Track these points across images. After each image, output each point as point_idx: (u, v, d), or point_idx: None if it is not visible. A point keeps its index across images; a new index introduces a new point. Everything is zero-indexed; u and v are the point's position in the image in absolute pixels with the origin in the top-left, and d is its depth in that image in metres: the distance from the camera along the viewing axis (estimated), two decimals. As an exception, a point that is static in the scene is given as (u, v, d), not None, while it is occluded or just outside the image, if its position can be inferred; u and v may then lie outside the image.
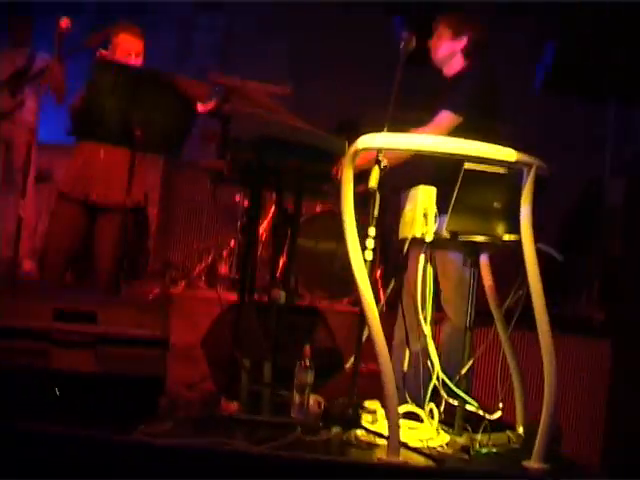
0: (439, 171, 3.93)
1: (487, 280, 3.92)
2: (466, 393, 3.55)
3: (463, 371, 3.58)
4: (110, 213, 4.85)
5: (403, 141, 3.44)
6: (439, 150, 3.36)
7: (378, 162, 3.49)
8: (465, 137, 3.36)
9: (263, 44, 8.39)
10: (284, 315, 3.91)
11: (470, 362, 3.61)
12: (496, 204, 3.61)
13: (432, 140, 3.39)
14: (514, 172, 3.48)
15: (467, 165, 3.50)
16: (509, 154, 3.35)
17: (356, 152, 3.35)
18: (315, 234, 6.85)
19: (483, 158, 3.37)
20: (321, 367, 3.68)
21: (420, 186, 3.64)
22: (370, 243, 3.48)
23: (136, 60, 4.88)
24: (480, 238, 3.56)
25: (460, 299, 3.92)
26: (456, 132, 4.18)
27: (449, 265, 4.17)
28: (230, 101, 3.84)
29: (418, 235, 3.55)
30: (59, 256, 4.93)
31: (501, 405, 3.64)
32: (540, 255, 3.44)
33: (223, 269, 7.25)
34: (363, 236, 3.40)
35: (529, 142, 3.55)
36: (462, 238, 3.58)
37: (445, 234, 3.59)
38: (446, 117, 4.27)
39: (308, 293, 6.80)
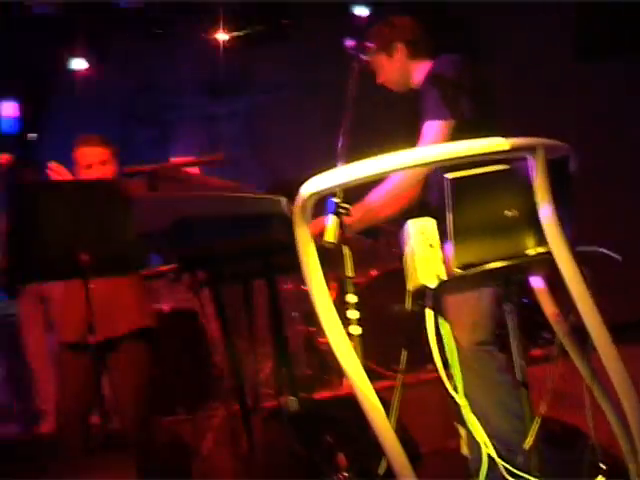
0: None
1: (548, 308, 2.99)
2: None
3: (529, 443, 2.61)
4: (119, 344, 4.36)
5: (360, 171, 2.56)
6: (405, 166, 2.50)
7: (337, 212, 2.64)
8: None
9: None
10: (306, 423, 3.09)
11: (535, 426, 2.64)
12: (508, 212, 2.69)
13: (394, 157, 2.51)
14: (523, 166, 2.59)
15: (450, 175, 2.62)
16: (498, 144, 2.45)
17: (305, 203, 2.53)
18: (378, 300, 6.03)
19: (465, 157, 2.49)
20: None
21: (409, 221, 2.78)
22: (353, 314, 2.62)
23: (102, 170, 4.32)
24: (496, 264, 2.63)
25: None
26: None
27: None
28: (158, 187, 3.09)
29: (430, 283, 2.67)
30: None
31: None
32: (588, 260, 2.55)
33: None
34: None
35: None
36: (478, 270, 2.67)
37: (456, 271, 2.69)
38: (432, 127, 3.45)
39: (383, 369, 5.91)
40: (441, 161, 2.48)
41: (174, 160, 3.25)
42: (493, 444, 2.70)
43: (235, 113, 8.17)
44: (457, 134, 3.45)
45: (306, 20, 7.50)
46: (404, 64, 3.79)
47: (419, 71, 3.75)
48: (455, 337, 3.28)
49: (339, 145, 2.99)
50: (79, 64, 7.71)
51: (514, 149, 2.47)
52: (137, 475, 4.23)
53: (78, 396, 4.39)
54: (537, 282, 2.97)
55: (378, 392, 2.48)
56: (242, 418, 3.20)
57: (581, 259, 2.58)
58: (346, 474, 2.95)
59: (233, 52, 7.73)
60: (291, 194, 2.56)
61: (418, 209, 3.78)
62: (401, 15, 3.96)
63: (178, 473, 4.97)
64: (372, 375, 2.80)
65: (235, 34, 7.64)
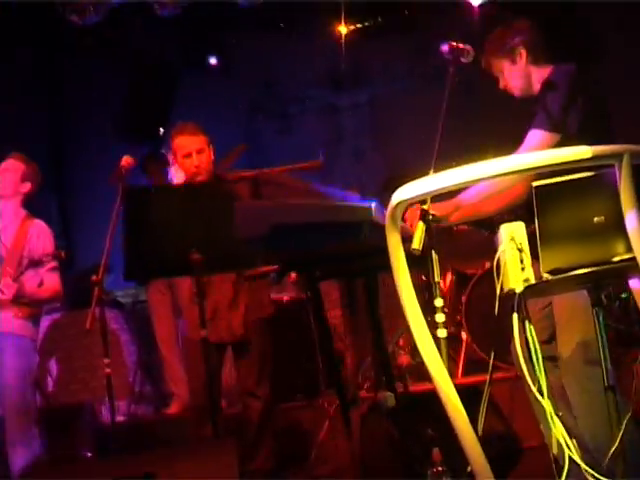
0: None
1: None
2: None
3: (613, 449, 2.64)
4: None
5: (444, 180, 2.64)
6: (490, 175, 2.57)
7: (423, 217, 2.72)
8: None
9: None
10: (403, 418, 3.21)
11: (620, 433, 2.66)
12: (597, 219, 2.72)
13: (477, 167, 2.57)
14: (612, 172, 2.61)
15: (536, 183, 2.67)
16: (580, 152, 2.48)
17: (394, 211, 2.63)
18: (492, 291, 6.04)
19: (547, 167, 2.53)
20: (497, 457, 2.92)
21: (503, 225, 2.84)
22: (440, 317, 2.70)
23: (199, 158, 4.45)
24: (583, 270, 2.66)
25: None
26: None
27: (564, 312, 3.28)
28: (261, 193, 3.25)
29: (518, 288, 2.74)
30: None
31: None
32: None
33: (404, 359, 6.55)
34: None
35: None
36: (565, 276, 2.71)
37: (545, 276, 2.74)
38: (536, 136, 3.44)
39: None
40: (522, 171, 2.53)
41: (275, 168, 3.36)
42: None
43: (357, 105, 8.26)
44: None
45: (424, 10, 7.50)
46: (526, 69, 3.72)
47: (539, 77, 3.70)
48: (561, 353, 3.34)
49: (435, 151, 3.04)
50: (207, 61, 7.96)
51: (597, 157, 2.49)
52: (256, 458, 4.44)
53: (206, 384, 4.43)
54: (635, 283, 2.98)
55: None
56: (342, 411, 3.33)
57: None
58: (440, 468, 3.00)
59: (354, 44, 7.82)
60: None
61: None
62: (519, 15, 3.91)
63: (297, 457, 5.15)
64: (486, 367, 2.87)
65: (355, 26, 7.73)
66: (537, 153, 2.54)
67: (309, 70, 8.20)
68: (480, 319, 5.71)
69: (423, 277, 6.38)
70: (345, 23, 7.72)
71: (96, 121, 8.23)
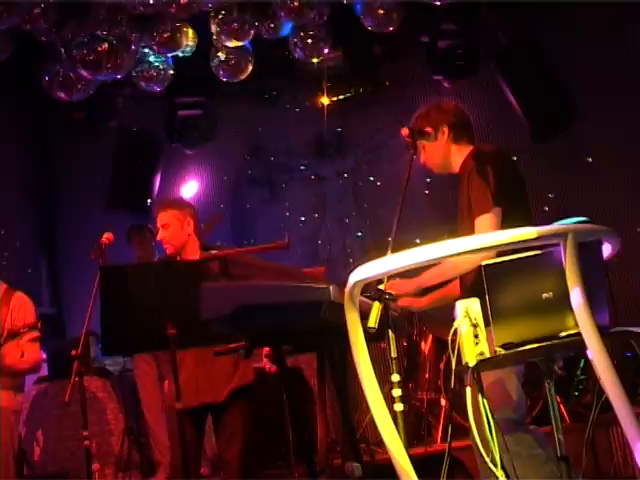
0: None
1: None
2: None
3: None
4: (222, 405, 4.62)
5: (398, 262, 2.76)
6: (440, 256, 2.69)
7: (378, 297, 2.84)
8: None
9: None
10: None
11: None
12: (546, 295, 2.83)
13: (429, 249, 2.69)
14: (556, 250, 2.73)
15: (484, 262, 2.80)
16: (525, 234, 2.60)
17: (352, 290, 2.76)
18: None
19: (494, 247, 2.66)
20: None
21: (458, 301, 2.96)
22: (396, 392, 2.80)
23: (162, 233, 4.65)
24: (532, 345, 2.77)
25: None
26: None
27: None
28: (228, 272, 3.38)
29: (471, 362, 2.85)
30: None
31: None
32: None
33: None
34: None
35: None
36: (517, 350, 2.81)
37: (498, 350, 2.85)
38: (486, 222, 3.58)
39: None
40: (471, 251, 2.65)
41: (242, 248, 3.51)
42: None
43: (341, 173, 8.42)
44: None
45: (402, 80, 7.73)
46: (446, 147, 3.89)
47: (459, 156, 3.87)
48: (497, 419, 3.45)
49: (393, 231, 3.15)
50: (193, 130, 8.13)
51: (542, 237, 2.61)
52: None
53: (187, 453, 4.50)
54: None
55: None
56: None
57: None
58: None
59: (336, 113, 8.01)
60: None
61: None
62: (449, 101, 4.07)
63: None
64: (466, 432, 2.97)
65: (337, 97, 7.93)
66: (483, 235, 2.65)
67: (293, 139, 8.37)
68: (459, 383, 5.79)
69: (405, 343, 6.53)
70: (327, 94, 7.93)
71: (85, 190, 8.40)
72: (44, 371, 6.94)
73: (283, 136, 8.37)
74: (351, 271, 2.77)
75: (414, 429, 6.03)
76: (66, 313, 8.97)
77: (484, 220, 3.57)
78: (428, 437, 5.95)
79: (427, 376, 6.20)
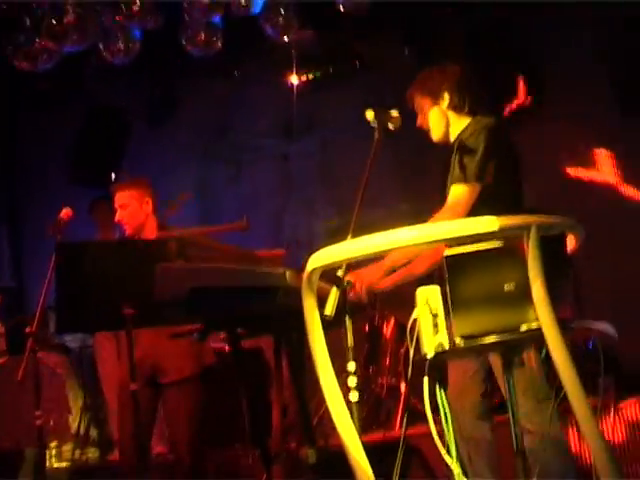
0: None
1: None
2: None
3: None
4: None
5: (359, 247, 2.71)
6: (399, 244, 2.64)
7: (337, 283, 2.79)
8: (487, 208, 2.86)
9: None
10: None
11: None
12: (507, 286, 2.79)
13: (385, 237, 2.64)
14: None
15: (446, 252, 2.76)
16: (487, 223, 2.55)
17: (310, 276, 2.71)
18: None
19: (456, 238, 2.62)
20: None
21: (418, 289, 2.91)
22: (352, 381, 2.76)
23: (120, 213, 4.67)
24: (491, 338, 2.74)
25: None
26: (480, 204, 3.52)
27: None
28: (185, 253, 3.31)
29: (430, 353, 2.81)
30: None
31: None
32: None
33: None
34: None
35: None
36: (480, 342, 2.78)
37: (459, 341, 2.81)
38: (459, 192, 3.54)
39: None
40: (433, 242, 2.61)
41: (200, 229, 3.46)
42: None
43: (307, 153, 8.35)
44: (479, 198, 3.56)
45: (372, 60, 7.64)
46: (445, 114, 3.80)
47: (457, 126, 3.79)
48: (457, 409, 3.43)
49: (353, 216, 3.11)
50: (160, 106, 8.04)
51: (504, 229, 2.57)
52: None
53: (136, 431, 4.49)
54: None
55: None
56: (263, 464, 3.38)
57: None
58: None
59: (305, 93, 7.93)
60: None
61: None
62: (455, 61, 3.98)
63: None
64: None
65: (307, 76, 7.85)
66: (443, 224, 2.62)
67: (261, 118, 8.29)
68: (419, 370, 5.77)
69: (366, 327, 6.49)
70: (297, 73, 7.84)
71: (50, 163, 8.28)
72: (2, 345, 6.87)
73: (251, 115, 8.28)
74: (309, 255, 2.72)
75: (373, 414, 6.02)
76: (27, 287, 8.86)
77: (457, 189, 3.54)
78: (387, 422, 5.93)
79: (388, 361, 6.18)
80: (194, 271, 2.93)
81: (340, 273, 2.82)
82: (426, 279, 3.92)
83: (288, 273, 2.83)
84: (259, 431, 3.48)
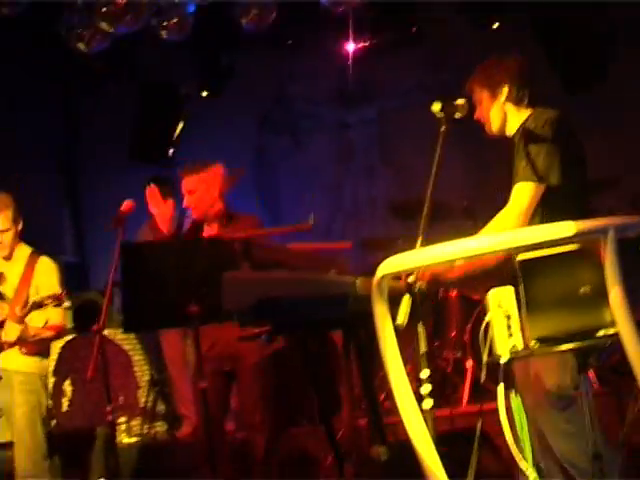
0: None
1: None
2: None
3: None
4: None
5: (430, 255, 2.66)
6: (470, 253, 2.59)
7: (408, 289, 2.73)
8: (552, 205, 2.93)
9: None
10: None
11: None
12: (583, 289, 2.71)
13: (457, 246, 2.59)
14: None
15: (520, 256, 2.68)
16: (564, 229, 2.49)
17: (380, 283, 2.66)
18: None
19: (532, 245, 2.55)
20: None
21: (490, 291, 2.84)
22: (426, 388, 2.72)
23: (188, 199, 4.64)
24: (568, 346, 2.67)
25: None
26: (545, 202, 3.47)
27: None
28: (251, 255, 3.29)
29: (504, 356, 2.75)
30: None
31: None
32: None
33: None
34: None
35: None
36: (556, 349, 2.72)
37: (533, 344, 2.75)
38: (521, 192, 3.45)
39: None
40: (505, 250, 2.55)
41: (264, 230, 3.42)
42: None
43: (366, 121, 8.23)
44: (545, 198, 3.47)
45: (432, 25, 7.46)
46: (504, 107, 3.70)
47: (516, 119, 3.68)
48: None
49: (422, 220, 3.01)
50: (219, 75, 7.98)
51: (580, 234, 2.49)
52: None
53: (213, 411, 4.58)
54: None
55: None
56: (337, 465, 3.37)
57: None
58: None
59: (362, 60, 7.80)
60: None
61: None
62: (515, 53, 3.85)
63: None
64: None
65: (363, 43, 7.71)
66: (519, 232, 2.54)
67: (318, 86, 8.19)
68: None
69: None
70: (353, 40, 7.70)
71: (108, 142, 8.30)
72: (68, 321, 6.94)
73: (307, 83, 8.19)
74: (379, 262, 2.67)
75: (439, 389, 5.97)
76: (89, 262, 8.96)
77: (521, 188, 3.44)
78: (453, 397, 5.88)
79: (453, 334, 6.12)
80: (262, 281, 2.90)
81: (411, 279, 2.75)
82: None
83: (358, 282, 2.79)
84: (327, 410, 3.46)
